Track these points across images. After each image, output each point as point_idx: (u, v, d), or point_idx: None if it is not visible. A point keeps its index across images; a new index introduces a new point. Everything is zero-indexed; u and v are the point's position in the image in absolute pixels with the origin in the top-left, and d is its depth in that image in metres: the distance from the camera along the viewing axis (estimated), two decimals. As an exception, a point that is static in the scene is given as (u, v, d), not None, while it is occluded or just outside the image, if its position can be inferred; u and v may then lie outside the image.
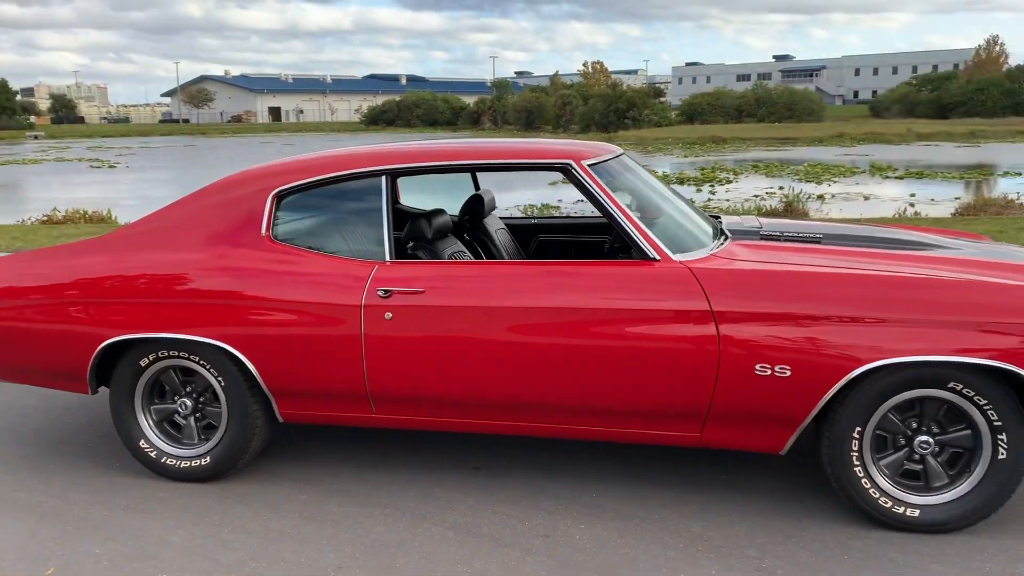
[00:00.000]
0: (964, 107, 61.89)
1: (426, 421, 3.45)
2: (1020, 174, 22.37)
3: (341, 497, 3.49)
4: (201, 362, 3.52)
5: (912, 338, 2.91)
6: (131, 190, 22.02)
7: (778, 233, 3.67)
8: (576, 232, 4.80)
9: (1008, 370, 2.86)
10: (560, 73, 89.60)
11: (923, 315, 2.93)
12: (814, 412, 3.03)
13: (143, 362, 3.58)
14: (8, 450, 4.07)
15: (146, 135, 66.84)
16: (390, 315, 3.28)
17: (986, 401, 2.93)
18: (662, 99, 68.16)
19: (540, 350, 3.18)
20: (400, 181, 4.83)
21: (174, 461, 3.64)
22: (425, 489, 3.54)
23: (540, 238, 4.81)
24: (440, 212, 3.90)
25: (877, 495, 3.07)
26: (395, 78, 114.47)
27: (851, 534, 3.07)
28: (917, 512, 3.05)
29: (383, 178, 3.49)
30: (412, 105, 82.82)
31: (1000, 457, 2.96)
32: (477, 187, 4.68)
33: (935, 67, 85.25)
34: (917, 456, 3.07)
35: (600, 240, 4.68)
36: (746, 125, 56.01)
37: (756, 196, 16.74)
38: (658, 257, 3.17)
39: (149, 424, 3.67)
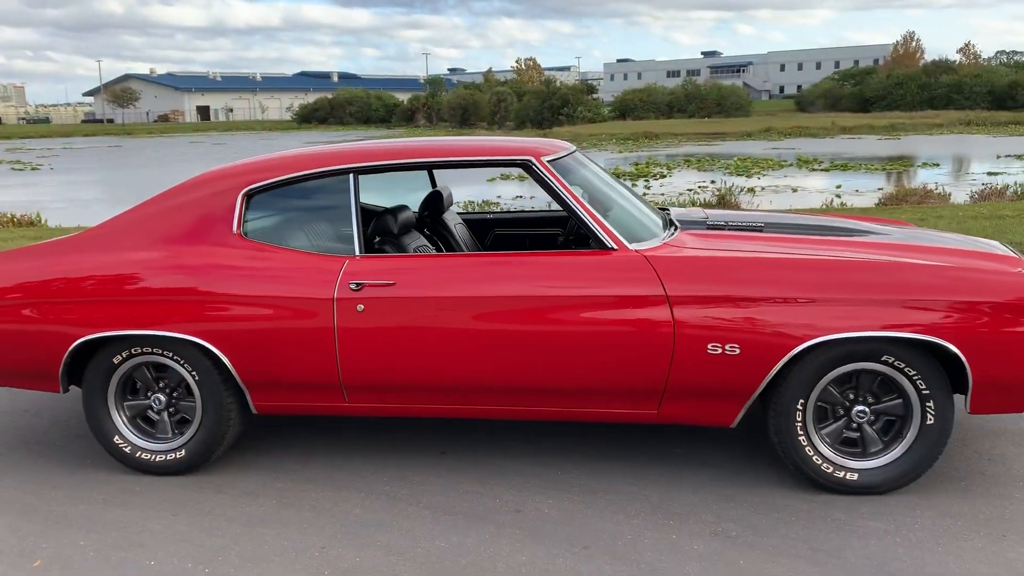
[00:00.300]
0: (884, 101, 63.96)
1: (397, 408, 3.61)
2: (937, 165, 23.39)
3: (316, 484, 3.62)
4: (175, 358, 3.61)
5: (848, 316, 3.18)
6: (57, 192, 21.49)
7: (723, 223, 3.92)
8: (529, 225, 5.00)
9: (933, 343, 3.15)
10: (493, 70, 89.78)
11: (857, 295, 3.20)
12: (761, 387, 3.28)
13: (116, 359, 3.65)
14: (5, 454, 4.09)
15: (68, 136, 64.92)
16: (362, 307, 3.42)
17: (915, 372, 3.22)
18: (595, 95, 68.85)
19: (508, 336, 3.36)
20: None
21: (149, 455, 3.72)
22: (396, 473, 3.69)
23: (496, 232, 4.99)
24: (404, 208, 4.06)
25: (820, 461, 3.34)
26: (327, 75, 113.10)
27: (798, 498, 3.34)
28: (856, 476, 3.33)
29: (350, 176, 3.64)
30: (345, 103, 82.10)
31: (928, 423, 3.26)
32: (434, 184, 4.84)
33: (856, 62, 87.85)
34: (855, 424, 3.35)
35: (553, 233, 4.88)
36: (677, 120, 56.94)
37: (689, 190, 17.20)
38: (615, 246, 3.39)
39: (123, 420, 3.75)
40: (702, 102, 64.10)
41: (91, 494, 3.58)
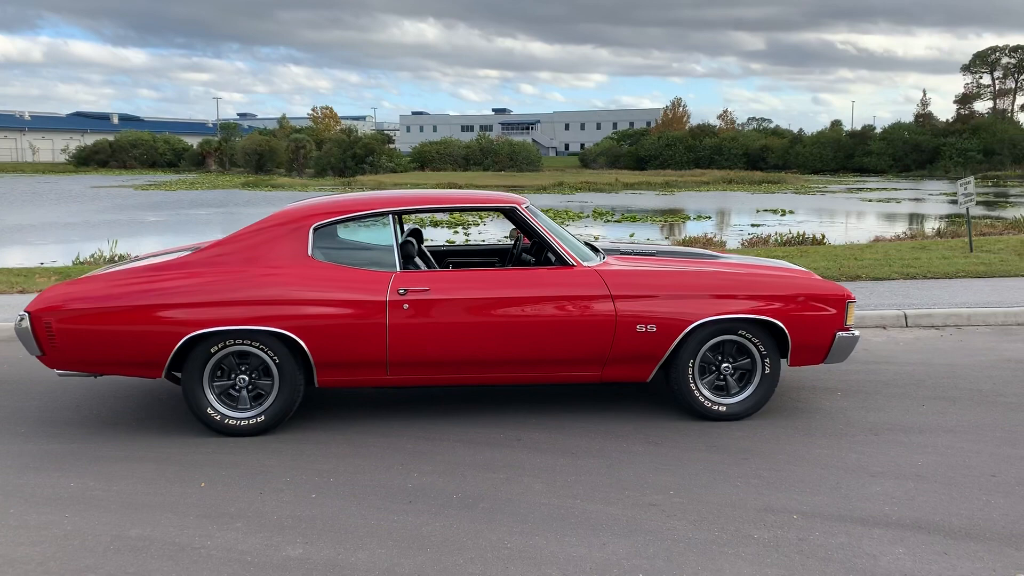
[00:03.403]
0: (657, 160, 70.71)
1: (425, 378, 5.15)
2: (710, 217, 27.25)
3: (368, 434, 5.07)
4: (260, 347, 4.95)
5: (718, 306, 5.12)
6: None
7: (631, 251, 5.82)
8: (473, 255, 6.67)
9: (768, 321, 5.15)
10: (286, 116, 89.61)
11: (723, 292, 5.16)
12: (668, 353, 5.15)
13: (212, 349, 4.94)
14: (103, 427, 5.16)
15: None
16: (407, 306, 4.96)
17: (758, 340, 5.21)
18: (392, 146, 70.81)
19: (507, 324, 5.02)
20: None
21: (235, 421, 5.01)
22: (421, 427, 5.21)
23: (448, 260, 6.61)
24: (411, 240, 5.62)
25: (703, 400, 5.24)
26: (105, 116, 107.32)
27: (690, 423, 5.22)
28: (725, 408, 5.26)
29: (391, 216, 5.19)
30: (128, 145, 78.84)
31: (766, 372, 5.26)
32: (403, 227, 6.39)
33: (631, 124, 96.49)
34: (723, 376, 5.29)
35: (491, 260, 6.59)
36: (476, 173, 59.94)
37: (505, 237, 19.25)
38: (575, 264, 5.16)
39: (213, 396, 5.01)
40: (496, 156, 67.84)
41: (202, 448, 4.84)
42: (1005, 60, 73.31)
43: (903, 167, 65.38)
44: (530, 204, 5.50)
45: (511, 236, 6.81)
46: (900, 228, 23.47)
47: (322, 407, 5.60)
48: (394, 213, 5.23)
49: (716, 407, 5.26)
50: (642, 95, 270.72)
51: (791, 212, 28.96)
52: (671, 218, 27.00)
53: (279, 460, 4.67)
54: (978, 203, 33.59)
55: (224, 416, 5.01)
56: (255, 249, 5.06)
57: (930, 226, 22.11)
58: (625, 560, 3.52)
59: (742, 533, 3.75)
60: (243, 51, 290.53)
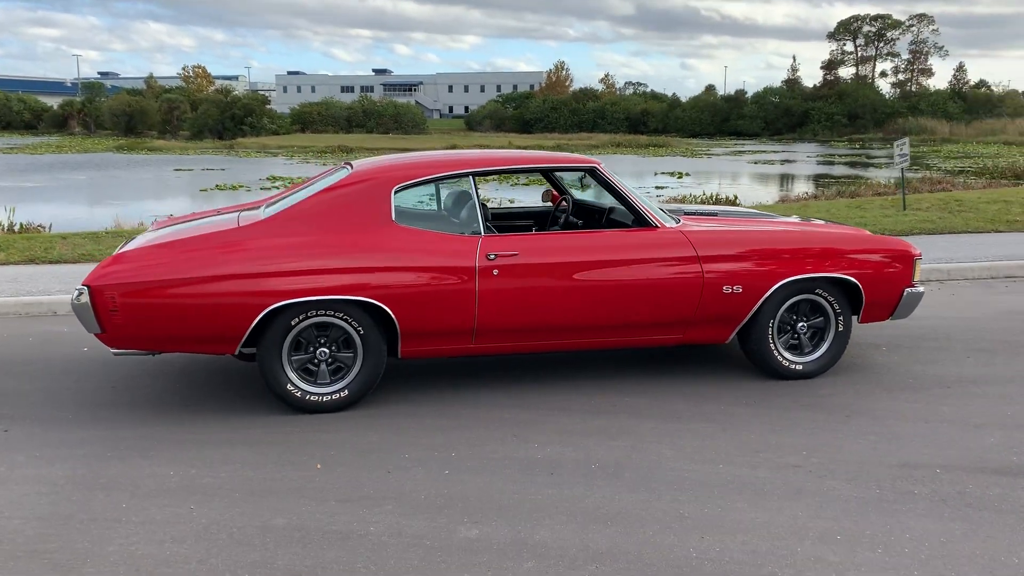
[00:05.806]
0: (542, 123, 70.99)
1: (510, 346, 4.95)
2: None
3: (459, 404, 4.84)
4: (344, 317, 4.62)
5: (798, 265, 5.13)
6: None
7: (695, 211, 5.76)
8: (520, 218, 6.45)
9: (844, 279, 5.21)
10: (155, 76, 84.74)
11: (800, 251, 5.16)
12: (751, 313, 5.13)
13: (293, 322, 4.57)
14: (159, 410, 4.69)
15: None
16: (497, 271, 4.73)
17: (833, 298, 5.26)
18: (268, 106, 68.27)
19: (596, 288, 4.88)
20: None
21: (317, 397, 4.68)
22: (510, 395, 5.01)
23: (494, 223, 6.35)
24: (485, 203, 5.35)
25: (781, 359, 5.26)
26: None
27: (771, 383, 5.24)
28: (801, 367, 5.30)
29: (471, 177, 4.92)
30: (-23, 105, 73.05)
31: (840, 330, 5.32)
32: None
33: (515, 87, 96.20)
34: (797, 335, 5.32)
35: (527, 223, 6.39)
36: (360, 135, 58.62)
37: (420, 201, 18.81)
38: (658, 225, 5.05)
39: (292, 372, 4.65)
40: (380, 118, 66.49)
41: (286, 427, 4.50)
42: (866, 29, 77.13)
43: (775, 130, 68.12)
44: (604, 166, 5.34)
45: (544, 198, 6.61)
46: (799, 188, 24.58)
47: (392, 379, 5.30)
48: (475, 174, 4.96)
49: (793, 366, 5.29)
50: (517, 58, 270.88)
51: (687, 174, 29.81)
52: (576, 182, 27.16)
53: (381, 436, 4.39)
54: (847, 164, 35.45)
55: (305, 392, 4.67)
56: (333, 213, 4.70)
57: (829, 186, 23.14)
58: (810, 522, 3.49)
59: (900, 489, 3.79)
60: (96, 5, 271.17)
